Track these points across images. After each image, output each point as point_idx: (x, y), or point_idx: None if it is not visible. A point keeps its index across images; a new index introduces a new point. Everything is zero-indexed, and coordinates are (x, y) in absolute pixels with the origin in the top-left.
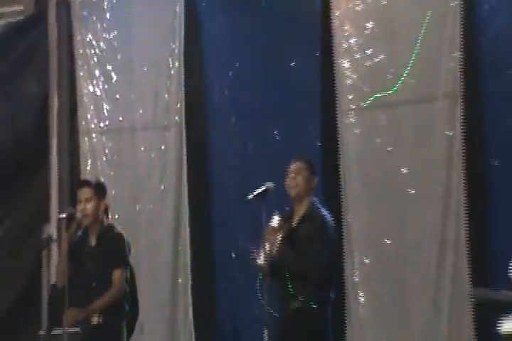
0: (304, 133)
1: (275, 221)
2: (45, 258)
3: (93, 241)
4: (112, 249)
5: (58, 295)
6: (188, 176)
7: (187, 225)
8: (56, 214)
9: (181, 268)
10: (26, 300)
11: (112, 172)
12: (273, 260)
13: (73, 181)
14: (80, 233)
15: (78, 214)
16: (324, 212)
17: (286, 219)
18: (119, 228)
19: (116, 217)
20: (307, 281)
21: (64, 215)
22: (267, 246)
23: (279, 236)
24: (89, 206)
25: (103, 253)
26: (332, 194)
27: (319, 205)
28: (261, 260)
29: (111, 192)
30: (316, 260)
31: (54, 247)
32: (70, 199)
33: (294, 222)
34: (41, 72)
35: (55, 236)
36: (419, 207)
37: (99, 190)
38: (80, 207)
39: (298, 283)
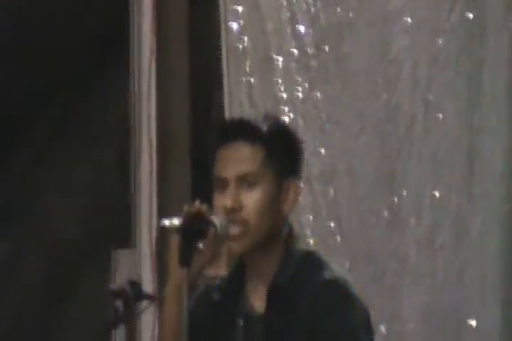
0: None
1: None
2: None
3: (258, 302)
4: (325, 328)
5: None
6: None
7: None
8: (151, 217)
9: None
10: None
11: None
12: None
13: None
14: (218, 277)
15: (215, 222)
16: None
17: None
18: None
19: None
20: None
21: (173, 223)
22: None
23: None
24: (253, 198)
25: (293, 338)
26: None
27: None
28: None
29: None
30: None
31: (148, 311)
32: (194, 175)
33: None
34: None
35: (151, 288)
36: None
37: (282, 150)
38: (221, 200)
39: None
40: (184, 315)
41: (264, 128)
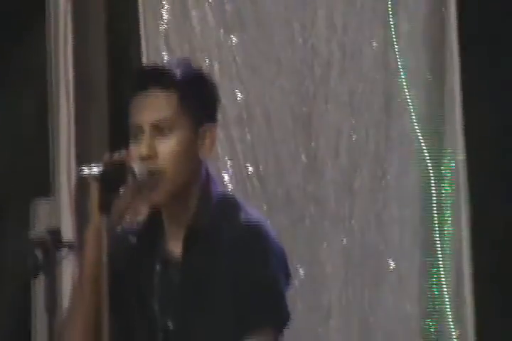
0: None
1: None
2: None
3: (176, 247)
4: (243, 271)
5: None
6: None
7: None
8: (70, 165)
9: None
10: None
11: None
12: None
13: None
14: (136, 222)
15: (135, 170)
16: None
17: None
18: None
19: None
20: None
21: (92, 171)
22: None
23: None
24: (169, 145)
25: (211, 282)
26: None
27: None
28: None
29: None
30: None
31: (66, 259)
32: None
33: None
34: None
35: (70, 236)
36: None
37: (197, 96)
38: (137, 148)
39: None
40: (104, 260)
41: (178, 73)
